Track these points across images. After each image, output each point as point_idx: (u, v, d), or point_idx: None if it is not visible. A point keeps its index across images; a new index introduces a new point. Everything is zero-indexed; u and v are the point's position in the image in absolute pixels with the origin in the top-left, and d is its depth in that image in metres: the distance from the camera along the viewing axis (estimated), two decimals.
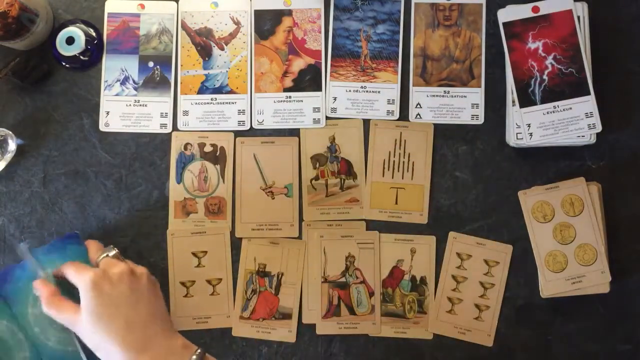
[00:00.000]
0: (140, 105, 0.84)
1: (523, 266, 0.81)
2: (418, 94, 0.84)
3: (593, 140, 0.80)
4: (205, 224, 0.83)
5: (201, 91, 0.85)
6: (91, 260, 0.73)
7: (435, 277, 0.82)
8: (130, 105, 0.84)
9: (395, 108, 0.84)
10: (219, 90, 0.85)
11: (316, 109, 0.84)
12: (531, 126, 0.80)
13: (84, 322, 0.65)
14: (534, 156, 0.83)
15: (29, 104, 0.84)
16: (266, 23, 0.85)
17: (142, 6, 0.86)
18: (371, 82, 0.84)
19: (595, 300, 0.81)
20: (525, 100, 0.80)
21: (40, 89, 0.84)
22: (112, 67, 0.85)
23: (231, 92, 0.85)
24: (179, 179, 0.83)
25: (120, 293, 0.67)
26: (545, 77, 0.80)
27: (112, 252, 0.72)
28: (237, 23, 0.86)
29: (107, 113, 0.84)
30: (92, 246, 0.74)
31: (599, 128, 0.79)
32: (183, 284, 0.82)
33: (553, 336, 0.81)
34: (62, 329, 0.69)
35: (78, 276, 0.67)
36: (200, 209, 0.83)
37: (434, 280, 0.82)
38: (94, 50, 0.84)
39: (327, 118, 0.84)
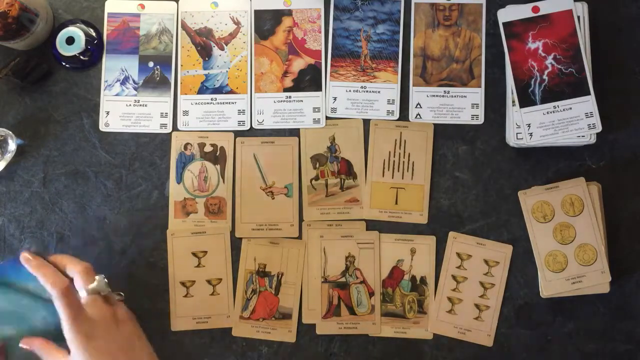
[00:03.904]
0: (140, 105, 0.84)
1: (523, 266, 0.81)
2: (418, 94, 0.84)
3: (593, 140, 0.80)
4: (205, 224, 0.83)
5: (201, 91, 0.85)
6: (81, 286, 0.68)
7: (435, 277, 0.82)
8: (130, 105, 0.84)
9: (395, 108, 0.84)
10: (219, 90, 0.85)
11: (316, 109, 0.84)
12: (531, 126, 0.80)
13: None
14: (534, 156, 0.83)
15: (29, 104, 0.84)
16: (266, 23, 0.85)
17: (142, 6, 0.86)
18: (371, 82, 0.84)
19: (595, 300, 0.81)
20: (525, 100, 0.80)
21: (40, 89, 0.84)
22: (112, 67, 0.85)
23: (231, 92, 0.85)
24: (179, 179, 0.83)
25: (108, 348, 0.66)
26: (545, 77, 0.80)
27: (105, 289, 0.69)
28: (237, 23, 0.86)
29: (107, 113, 0.84)
30: (81, 271, 0.69)
31: (599, 128, 0.79)
32: (183, 284, 0.82)
33: (553, 336, 0.81)
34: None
35: (67, 330, 0.65)
36: (200, 209, 0.83)
37: (434, 280, 0.82)
38: (94, 50, 0.84)
39: (327, 118, 0.84)
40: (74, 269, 0.69)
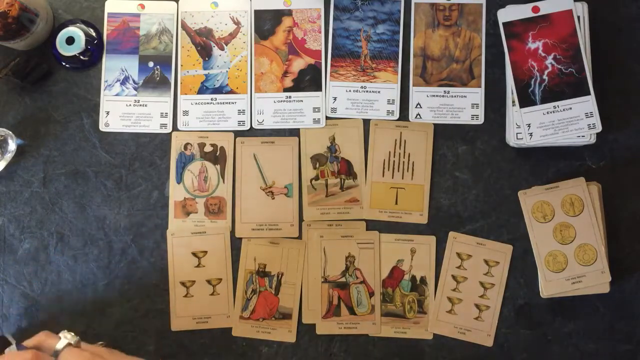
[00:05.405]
0: (140, 105, 0.84)
1: (523, 266, 0.81)
2: (418, 94, 0.84)
3: (593, 140, 0.80)
4: (205, 224, 0.83)
5: (201, 91, 0.85)
6: (47, 349, 0.66)
7: (435, 277, 0.82)
8: (130, 105, 0.84)
9: (395, 108, 0.84)
10: (219, 90, 0.85)
11: (316, 109, 0.84)
12: (531, 126, 0.80)
13: None
14: (534, 156, 0.83)
15: (29, 104, 0.84)
16: (266, 23, 0.85)
17: (142, 6, 0.86)
18: (371, 82, 0.84)
19: (595, 300, 0.81)
20: (525, 100, 0.80)
21: (40, 89, 0.84)
22: (112, 67, 0.85)
23: (231, 92, 0.85)
24: (179, 179, 0.83)
25: None
26: (545, 77, 0.80)
27: (73, 339, 0.66)
28: (237, 23, 0.86)
29: (107, 113, 0.84)
30: (42, 336, 0.67)
31: (599, 128, 0.79)
32: (183, 284, 0.82)
33: (553, 336, 0.81)
34: None
35: None
36: (200, 209, 0.83)
37: (434, 280, 0.82)
38: (94, 50, 0.84)
39: (327, 118, 0.84)
40: (33, 345, 0.66)
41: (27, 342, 0.67)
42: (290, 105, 0.84)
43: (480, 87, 0.84)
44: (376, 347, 0.81)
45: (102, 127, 0.84)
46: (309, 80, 0.85)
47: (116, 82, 0.85)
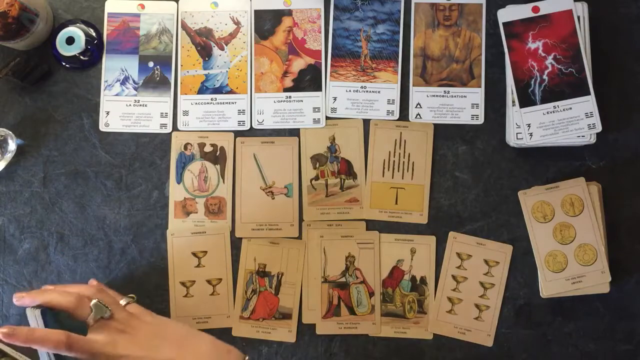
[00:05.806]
0: (140, 105, 0.84)
1: (523, 266, 0.81)
2: (418, 94, 0.84)
3: (593, 140, 0.80)
4: (205, 224, 0.83)
5: (201, 91, 0.85)
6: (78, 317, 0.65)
7: (435, 277, 0.82)
8: (130, 105, 0.84)
9: (395, 108, 0.84)
10: (219, 90, 0.85)
11: (316, 109, 0.84)
12: (531, 126, 0.80)
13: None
14: (534, 156, 0.83)
15: (29, 104, 0.84)
16: (266, 23, 0.85)
17: (142, 6, 0.86)
18: (371, 82, 0.84)
19: (595, 300, 0.81)
20: (525, 100, 0.80)
21: (40, 89, 0.84)
22: (112, 67, 0.85)
23: (231, 92, 0.85)
24: (179, 179, 0.83)
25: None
26: (545, 77, 0.80)
27: (106, 312, 0.66)
28: (237, 23, 0.86)
29: (107, 113, 0.84)
30: (73, 303, 0.66)
31: (599, 128, 0.79)
32: (183, 284, 0.82)
33: (553, 336, 0.81)
34: None
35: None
36: (200, 209, 0.83)
37: (434, 280, 0.82)
38: (94, 50, 0.84)
39: (327, 118, 0.84)
40: (66, 305, 0.65)
41: (57, 301, 0.65)
42: (290, 105, 0.84)
43: (480, 87, 0.84)
44: (376, 347, 0.81)
45: (102, 127, 0.84)
46: (309, 80, 0.85)
47: (116, 82, 0.85)
